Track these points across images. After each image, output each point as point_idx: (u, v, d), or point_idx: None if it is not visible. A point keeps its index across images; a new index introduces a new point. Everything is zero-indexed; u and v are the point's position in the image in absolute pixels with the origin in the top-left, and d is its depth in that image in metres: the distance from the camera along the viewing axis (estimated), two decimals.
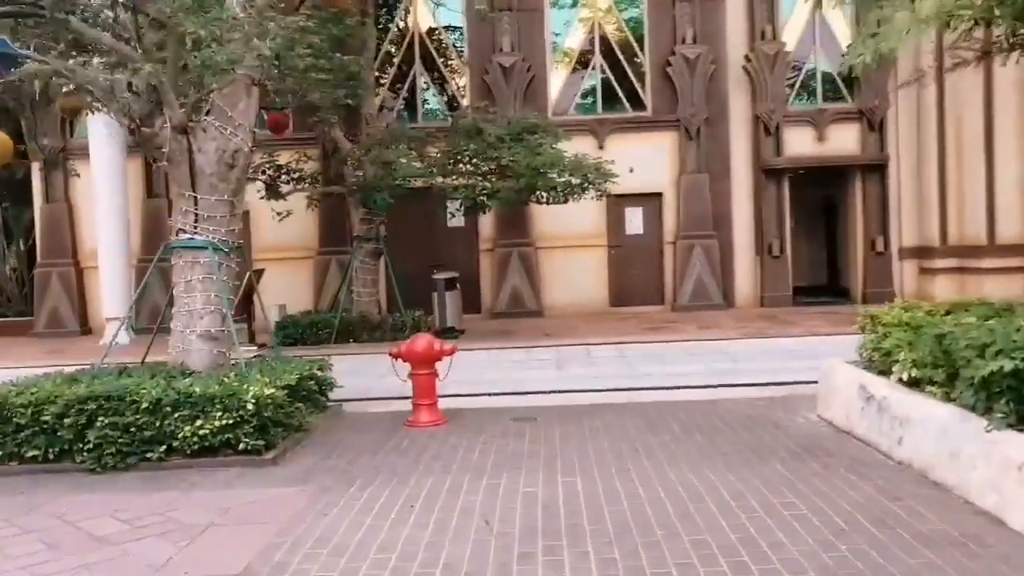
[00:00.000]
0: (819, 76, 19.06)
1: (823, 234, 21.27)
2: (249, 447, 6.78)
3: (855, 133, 18.82)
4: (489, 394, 9.66)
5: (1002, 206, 17.36)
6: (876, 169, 18.77)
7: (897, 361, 6.25)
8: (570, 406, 8.63)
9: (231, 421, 6.72)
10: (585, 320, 17.46)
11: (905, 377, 6.11)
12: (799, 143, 18.78)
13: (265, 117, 13.72)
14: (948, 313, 6.96)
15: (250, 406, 6.73)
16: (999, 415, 4.78)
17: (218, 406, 6.73)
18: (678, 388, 9.52)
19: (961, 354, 5.13)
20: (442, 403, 8.47)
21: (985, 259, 17.50)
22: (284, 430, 7.30)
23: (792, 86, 19.01)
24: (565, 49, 19.46)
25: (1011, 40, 7.21)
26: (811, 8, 18.38)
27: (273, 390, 7.01)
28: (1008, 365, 4.60)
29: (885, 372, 6.55)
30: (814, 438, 6.76)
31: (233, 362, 8.12)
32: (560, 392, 9.63)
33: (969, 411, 5.13)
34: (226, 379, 7.13)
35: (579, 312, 18.57)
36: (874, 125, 18.65)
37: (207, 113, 8.28)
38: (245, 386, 6.90)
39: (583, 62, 19.39)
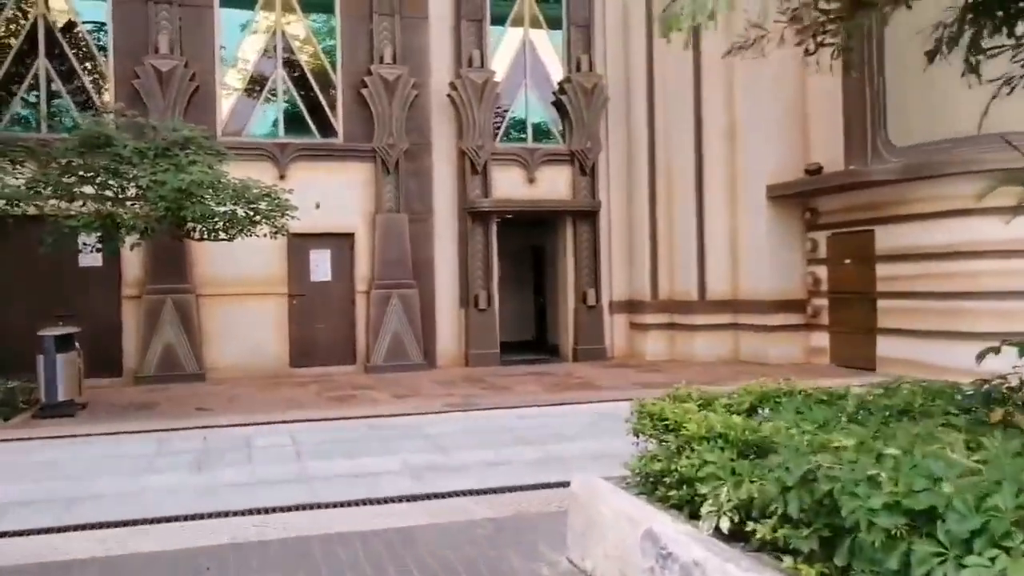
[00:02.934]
0: (529, 112, 17.38)
1: (531, 285, 19.62)
2: None
3: (567, 176, 17.29)
4: (67, 529, 6.19)
5: (712, 260, 16.49)
6: (588, 216, 17.33)
7: (707, 498, 3.85)
8: (195, 549, 5.47)
9: None
10: (258, 386, 14.12)
11: (725, 526, 3.71)
12: (508, 184, 16.90)
13: None
14: (753, 410, 4.77)
15: None
16: None
17: None
18: (361, 504, 6.66)
19: (875, 521, 2.75)
20: None
21: (696, 315, 16.53)
22: None
23: (501, 121, 17.16)
24: (240, 57, 16.19)
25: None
26: (522, 36, 16.83)
27: None
28: None
29: (681, 506, 4.15)
30: None
31: None
32: (186, 520, 6.38)
33: None
34: None
35: (251, 375, 15.17)
36: (586, 169, 17.24)
37: None
38: None
39: (262, 75, 16.24)
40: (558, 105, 17.32)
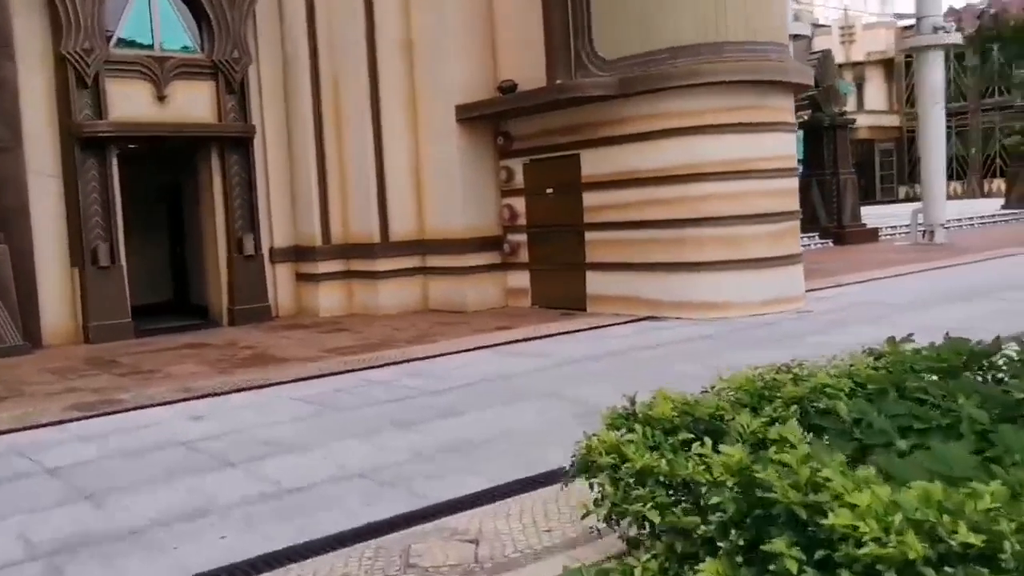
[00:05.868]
0: (155, 8, 13.42)
1: (167, 233, 15.82)
2: None
3: (209, 94, 13.69)
4: None
5: (395, 195, 14.05)
6: (239, 144, 13.93)
7: None
8: None
9: None
10: None
11: None
12: (131, 103, 12.98)
13: None
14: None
15: None
16: None
17: None
18: None
19: None
20: None
21: (379, 260, 14.04)
22: None
23: (118, 19, 13.06)
24: None
25: None
26: None
27: None
28: None
29: None
30: None
31: None
32: None
33: None
34: None
35: None
36: (234, 85, 13.77)
37: None
38: None
39: None
40: (192, 3, 13.59)
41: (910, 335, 3.75)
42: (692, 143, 11.35)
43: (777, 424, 2.43)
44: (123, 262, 12.98)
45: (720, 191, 11.30)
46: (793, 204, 12.04)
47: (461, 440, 6.13)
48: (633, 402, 2.76)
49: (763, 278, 11.52)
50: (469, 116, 13.42)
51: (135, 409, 7.99)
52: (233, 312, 13.92)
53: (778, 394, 2.70)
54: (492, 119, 13.54)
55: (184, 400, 8.21)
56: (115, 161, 12.86)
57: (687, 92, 11.26)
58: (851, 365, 3.15)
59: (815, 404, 2.65)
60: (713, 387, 2.98)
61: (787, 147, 11.89)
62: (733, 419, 2.53)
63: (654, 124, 11.56)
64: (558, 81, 12.34)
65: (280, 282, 14.65)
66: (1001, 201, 32.69)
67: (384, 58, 13.89)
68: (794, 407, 2.60)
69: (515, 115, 13.27)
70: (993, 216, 28.98)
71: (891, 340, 3.75)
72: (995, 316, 9.95)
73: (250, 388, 8.56)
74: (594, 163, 12.43)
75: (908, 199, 45.77)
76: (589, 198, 12.62)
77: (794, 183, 12.12)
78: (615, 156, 12.08)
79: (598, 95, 11.84)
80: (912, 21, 39.11)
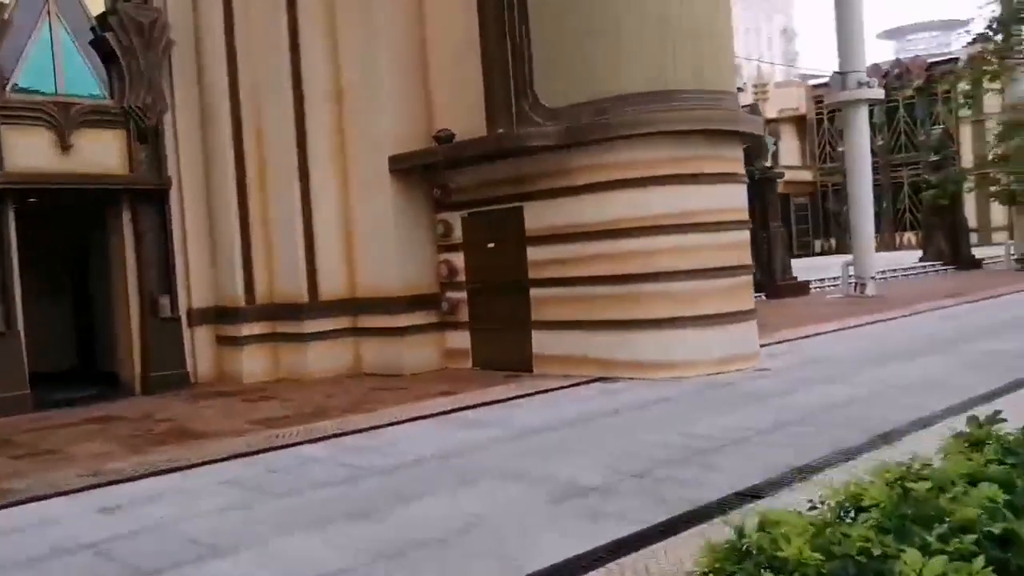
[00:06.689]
0: (58, 51, 12.40)
1: (71, 294, 14.56)
2: None
3: (120, 143, 12.66)
4: None
5: (324, 251, 13.17)
6: (153, 197, 12.89)
7: None
8: None
9: None
10: None
11: None
12: (30, 152, 11.88)
13: None
14: None
15: None
16: None
17: None
18: None
19: None
20: None
21: (307, 321, 13.07)
22: None
23: (15, 62, 11.98)
24: None
25: None
26: None
27: None
28: None
29: None
30: None
31: None
32: None
33: None
34: None
35: None
36: (147, 134, 12.77)
37: None
38: None
39: None
40: (101, 46, 12.62)
41: (998, 413, 3.12)
42: (642, 195, 10.83)
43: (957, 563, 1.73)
44: (20, 327, 11.72)
45: (671, 245, 10.77)
46: (746, 258, 11.62)
47: (425, 533, 5.27)
48: (742, 532, 2.03)
49: (718, 335, 10.98)
50: (403, 167, 12.69)
51: (32, 501, 6.87)
52: (147, 380, 12.72)
53: (935, 513, 2.00)
54: (428, 170, 12.83)
55: (91, 488, 7.11)
56: (12, 216, 11.68)
57: (636, 142, 10.77)
58: (969, 460, 2.49)
59: (986, 528, 1.97)
60: (823, 501, 2.26)
61: (739, 199, 11.48)
62: (885, 555, 1.81)
63: (602, 175, 11.01)
64: (499, 130, 11.74)
65: (199, 346, 13.51)
66: (918, 253, 33.36)
67: (312, 106, 13.11)
68: (970, 536, 1.90)
69: (453, 166, 12.58)
70: (914, 268, 29.47)
71: (975, 421, 3.12)
72: (964, 371, 9.61)
73: (170, 470, 7.50)
74: (539, 216, 11.81)
75: (824, 252, 46.72)
76: (534, 253, 11.95)
77: (746, 236, 11.69)
78: (561, 209, 11.48)
79: (542, 145, 11.27)
80: (823, 80, 40.20)
